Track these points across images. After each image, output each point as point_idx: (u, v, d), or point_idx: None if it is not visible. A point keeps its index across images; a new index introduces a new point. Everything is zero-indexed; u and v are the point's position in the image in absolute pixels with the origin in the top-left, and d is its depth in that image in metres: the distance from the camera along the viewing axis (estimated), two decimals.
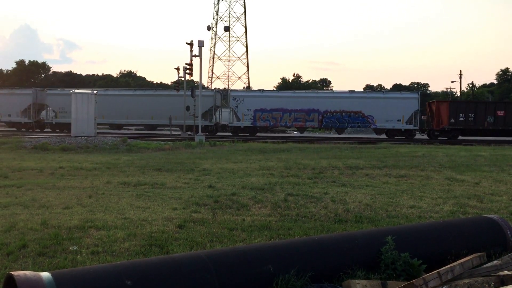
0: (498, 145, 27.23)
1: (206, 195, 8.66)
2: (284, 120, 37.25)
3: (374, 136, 39.91)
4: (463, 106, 36.02)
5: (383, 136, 37.96)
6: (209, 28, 40.73)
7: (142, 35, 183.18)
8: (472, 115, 35.03)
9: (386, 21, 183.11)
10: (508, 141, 30.51)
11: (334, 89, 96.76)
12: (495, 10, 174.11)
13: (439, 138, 35.32)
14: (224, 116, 40.02)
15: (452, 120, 35.03)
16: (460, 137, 35.56)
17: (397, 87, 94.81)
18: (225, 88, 45.26)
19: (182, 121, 35.53)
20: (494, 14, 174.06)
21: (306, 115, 36.89)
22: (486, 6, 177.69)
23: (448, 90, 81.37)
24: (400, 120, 36.10)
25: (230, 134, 37.25)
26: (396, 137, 36.15)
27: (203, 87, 42.40)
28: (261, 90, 38.88)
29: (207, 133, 35.20)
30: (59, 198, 8.19)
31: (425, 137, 37.36)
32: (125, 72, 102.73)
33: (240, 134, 36.83)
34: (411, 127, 36.05)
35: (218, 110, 39.47)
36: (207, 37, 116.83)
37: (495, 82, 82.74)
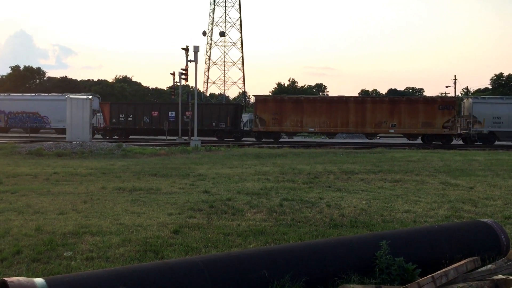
0: (492, 150, 27.39)
1: (201, 200, 8.65)
2: None
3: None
4: (124, 107, 39.19)
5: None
6: (204, 33, 40.83)
7: (138, 40, 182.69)
8: (131, 116, 38.02)
9: (381, 26, 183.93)
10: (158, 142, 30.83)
11: (329, 94, 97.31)
12: (490, 15, 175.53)
13: (114, 137, 37.41)
14: None
15: (114, 120, 38.06)
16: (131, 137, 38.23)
17: (392, 92, 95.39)
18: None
19: None
20: (489, 19, 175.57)
21: None
22: (482, 11, 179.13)
23: (443, 95, 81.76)
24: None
25: None
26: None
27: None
28: None
29: None
30: (53, 204, 8.16)
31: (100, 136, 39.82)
32: (121, 77, 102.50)
33: None
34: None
35: None
36: (202, 42, 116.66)
37: (490, 87, 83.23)
